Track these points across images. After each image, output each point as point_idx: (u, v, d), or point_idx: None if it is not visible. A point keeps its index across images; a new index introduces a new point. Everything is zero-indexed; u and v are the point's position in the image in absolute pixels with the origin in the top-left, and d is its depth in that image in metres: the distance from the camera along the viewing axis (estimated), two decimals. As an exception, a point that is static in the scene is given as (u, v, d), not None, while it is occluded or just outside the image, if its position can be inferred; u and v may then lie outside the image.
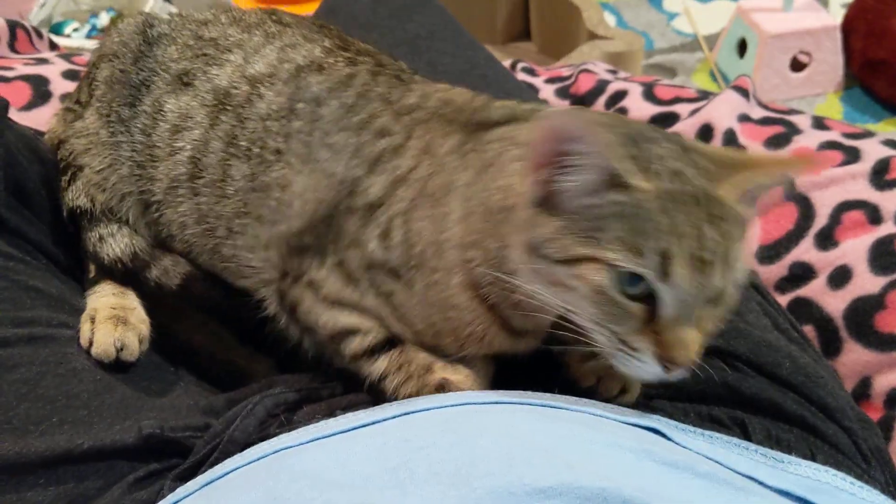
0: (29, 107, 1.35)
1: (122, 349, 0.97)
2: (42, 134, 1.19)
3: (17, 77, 1.39)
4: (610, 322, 0.73)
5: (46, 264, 1.07)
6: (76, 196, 1.11)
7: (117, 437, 0.87)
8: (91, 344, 0.97)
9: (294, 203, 0.96)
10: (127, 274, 1.09)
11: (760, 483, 0.71)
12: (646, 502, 0.60)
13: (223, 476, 0.76)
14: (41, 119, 1.29)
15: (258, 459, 0.76)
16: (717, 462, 0.72)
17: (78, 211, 1.10)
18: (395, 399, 0.87)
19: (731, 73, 2.38)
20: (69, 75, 1.43)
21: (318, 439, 0.76)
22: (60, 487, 0.83)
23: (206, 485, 0.75)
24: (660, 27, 2.65)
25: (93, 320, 1.00)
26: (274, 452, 0.76)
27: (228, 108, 1.02)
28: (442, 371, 0.87)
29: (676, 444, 0.74)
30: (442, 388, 0.85)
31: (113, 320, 1.00)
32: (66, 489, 0.83)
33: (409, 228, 0.87)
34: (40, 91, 1.38)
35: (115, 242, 1.09)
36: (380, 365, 0.90)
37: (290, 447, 0.76)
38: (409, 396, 0.86)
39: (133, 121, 1.07)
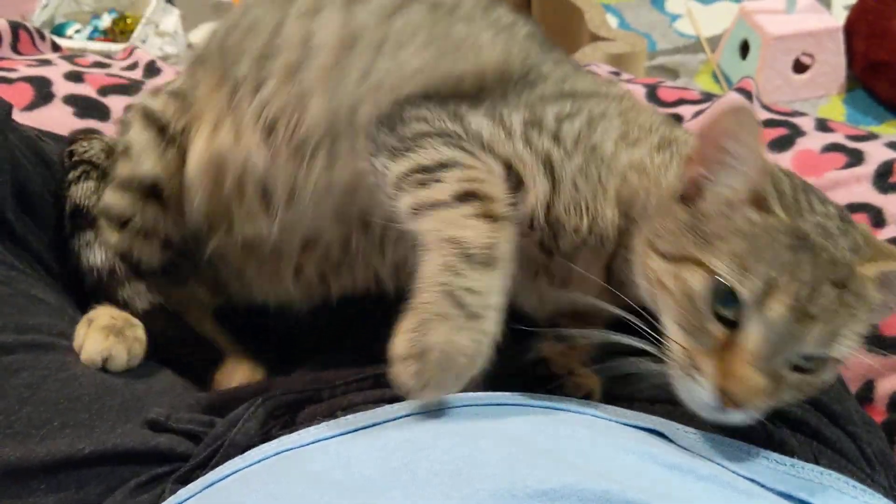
0: (31, 107, 1.35)
1: (107, 360, 0.98)
2: (46, 134, 1.19)
3: (20, 78, 1.39)
4: (688, 334, 0.73)
5: (45, 275, 1.08)
6: (86, 195, 1.11)
7: (118, 440, 0.87)
8: (81, 350, 0.98)
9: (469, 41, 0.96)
10: (98, 286, 1.09)
11: (762, 486, 0.71)
12: None
13: (225, 478, 0.76)
14: (44, 120, 1.30)
15: (260, 461, 0.76)
16: (718, 464, 0.72)
17: (79, 209, 1.10)
18: None
19: (733, 75, 2.38)
20: (72, 76, 1.43)
21: (319, 441, 0.76)
22: (62, 493, 0.83)
23: (208, 487, 0.75)
24: (662, 28, 2.65)
25: (89, 324, 1.00)
26: (276, 454, 0.76)
27: None
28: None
29: (678, 446, 0.74)
30: None
31: (106, 330, 1.00)
32: (67, 495, 0.83)
33: (592, 128, 0.88)
34: (43, 92, 1.38)
35: (99, 252, 1.09)
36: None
37: (292, 449, 0.76)
38: None
39: None
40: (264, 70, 1.00)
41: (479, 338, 0.70)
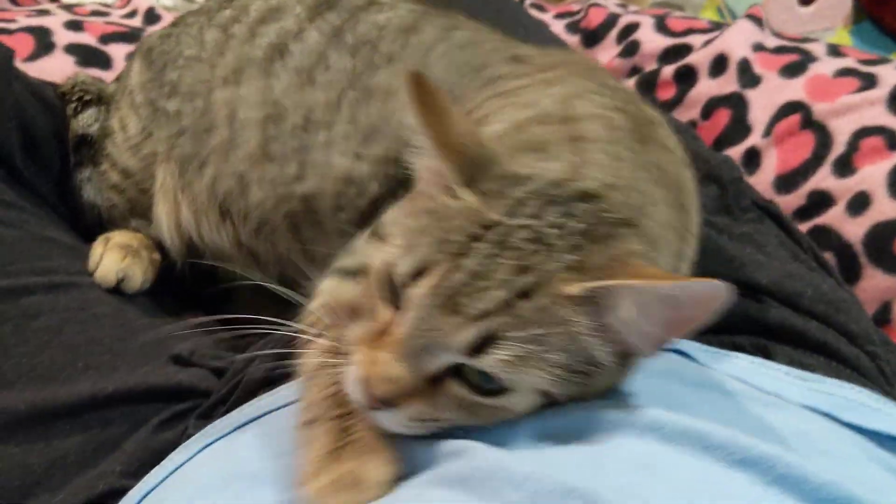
0: (33, 57, 1.34)
1: (123, 280, 1.00)
2: (49, 84, 1.18)
3: (20, 29, 1.37)
4: (364, 319, 0.65)
5: (56, 218, 1.08)
6: (88, 123, 1.12)
7: (141, 378, 0.87)
8: (98, 267, 1.00)
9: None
10: (98, 222, 1.11)
11: (786, 400, 0.71)
12: (676, 422, 0.60)
13: (255, 419, 0.76)
14: (45, 70, 1.29)
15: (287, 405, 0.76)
16: (742, 381, 0.72)
17: (84, 138, 1.12)
18: None
19: (738, 10, 2.34)
20: (71, 26, 1.42)
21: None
22: (87, 433, 0.83)
23: (236, 429, 0.75)
24: (666, -36, 2.60)
25: (106, 243, 1.02)
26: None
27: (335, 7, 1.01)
28: None
29: (702, 364, 0.74)
30: None
31: (124, 249, 1.02)
32: (92, 435, 0.83)
33: None
34: (44, 42, 1.36)
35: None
36: None
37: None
38: None
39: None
40: (204, 149, 1.02)
41: None
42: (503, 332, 0.56)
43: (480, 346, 0.56)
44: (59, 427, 0.83)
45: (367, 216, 0.90)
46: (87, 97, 1.14)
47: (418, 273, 0.59)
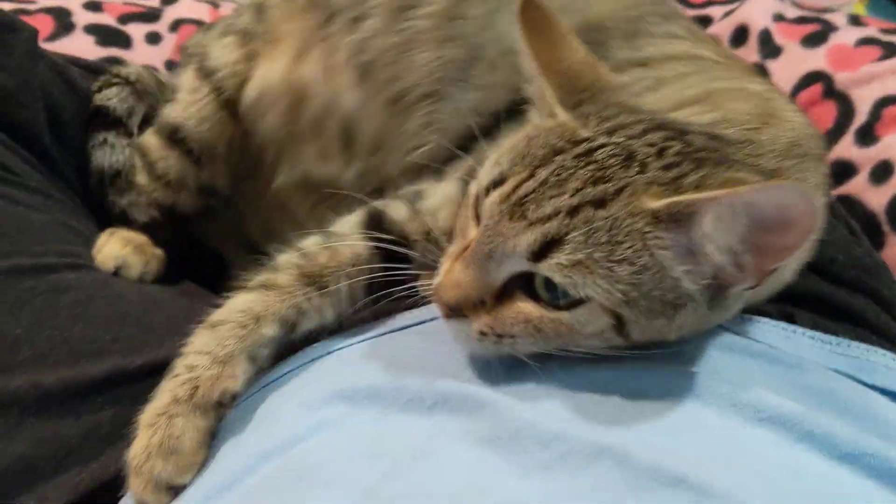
0: (53, 38, 1.35)
1: (121, 267, 1.01)
2: (73, 61, 1.19)
3: (39, 10, 1.39)
4: (457, 240, 0.66)
5: (79, 204, 1.10)
6: (108, 97, 1.13)
7: (168, 352, 0.88)
8: (98, 253, 1.01)
9: None
10: (100, 188, 1.11)
11: (811, 362, 0.71)
12: (705, 381, 0.61)
13: (279, 378, 0.77)
14: (66, 50, 1.31)
15: (312, 361, 0.77)
16: (767, 344, 0.72)
17: (100, 109, 1.13)
18: None
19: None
20: (91, 6, 1.43)
21: (366, 339, 0.77)
22: (118, 407, 0.84)
23: (264, 387, 0.76)
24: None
25: (111, 234, 1.04)
26: (328, 354, 0.77)
27: None
28: None
29: (726, 329, 0.74)
30: None
31: (125, 241, 1.03)
32: (123, 408, 0.84)
33: None
34: (63, 22, 1.38)
35: (112, 152, 1.11)
36: None
37: (342, 348, 0.77)
38: None
39: None
40: (367, 3, 0.96)
41: None
42: (565, 235, 0.56)
43: (543, 252, 0.56)
44: (91, 400, 0.84)
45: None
46: (115, 80, 1.15)
47: (496, 184, 0.60)
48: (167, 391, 0.70)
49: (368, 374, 0.68)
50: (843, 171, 1.14)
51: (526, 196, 0.58)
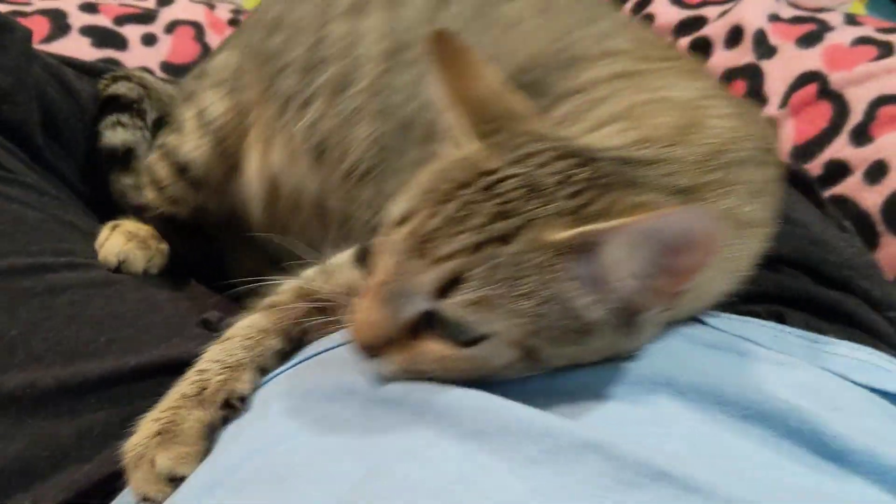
0: (49, 39, 1.35)
1: (123, 262, 1.02)
2: (68, 62, 1.20)
3: (35, 11, 1.39)
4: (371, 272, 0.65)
5: (76, 200, 1.10)
6: (118, 89, 1.17)
7: (164, 352, 0.89)
8: (100, 248, 1.02)
9: None
10: (112, 169, 1.14)
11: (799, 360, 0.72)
12: (689, 379, 0.62)
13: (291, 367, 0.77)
14: (62, 52, 1.30)
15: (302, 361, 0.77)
16: (754, 343, 0.73)
17: (111, 97, 1.16)
18: None
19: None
20: (86, 8, 1.43)
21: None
22: (115, 407, 0.85)
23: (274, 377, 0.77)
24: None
25: (113, 228, 1.05)
26: (316, 354, 0.77)
27: None
28: None
29: (713, 327, 0.75)
30: None
31: (128, 235, 1.04)
32: (120, 408, 0.85)
33: None
34: (59, 24, 1.38)
35: (123, 132, 1.14)
36: None
37: (329, 349, 0.77)
38: None
39: None
40: (310, 86, 0.99)
41: None
42: (467, 272, 0.55)
43: (444, 290, 0.56)
44: (87, 401, 0.85)
45: None
46: (121, 75, 1.20)
47: (403, 221, 0.60)
48: (175, 391, 0.72)
49: (353, 373, 0.68)
50: (838, 171, 1.14)
51: (429, 233, 0.57)
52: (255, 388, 0.74)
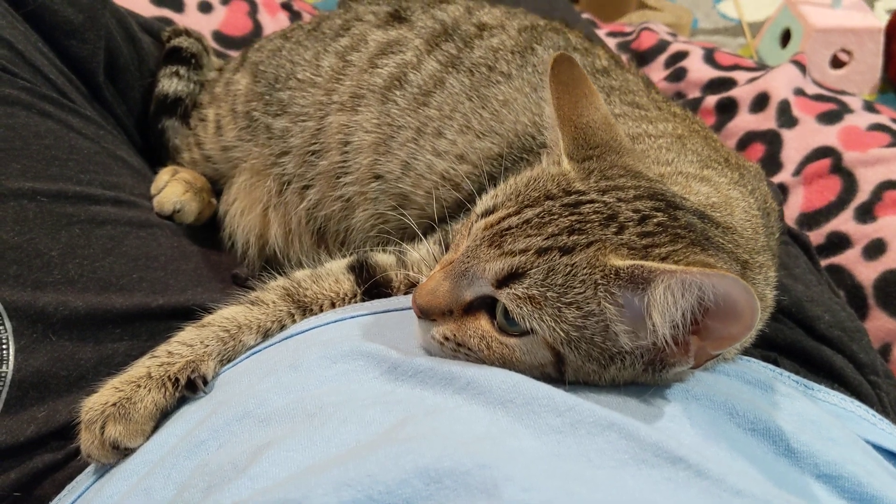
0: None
1: (178, 212, 1.07)
2: (132, 16, 1.24)
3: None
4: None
5: (128, 140, 1.14)
6: (181, 41, 1.25)
7: (189, 298, 0.92)
8: (159, 193, 1.07)
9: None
10: (158, 112, 1.20)
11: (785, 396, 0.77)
12: (705, 390, 0.67)
13: (294, 336, 0.81)
14: (122, 3, 1.32)
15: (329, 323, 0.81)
16: (755, 380, 0.78)
17: (175, 51, 1.23)
18: None
19: (771, 62, 2.41)
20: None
21: (373, 313, 0.82)
22: (135, 341, 0.89)
23: (287, 338, 0.80)
24: (705, 8, 2.68)
25: (173, 174, 1.10)
26: (339, 320, 0.81)
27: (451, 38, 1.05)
28: None
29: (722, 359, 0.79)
30: None
31: (187, 184, 1.08)
32: (139, 342, 0.88)
33: None
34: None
35: (178, 82, 1.20)
36: None
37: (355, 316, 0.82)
38: None
39: None
40: (311, 172, 1.07)
41: None
42: (526, 270, 0.62)
43: (506, 281, 0.63)
44: (111, 330, 0.88)
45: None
46: (181, 28, 1.27)
47: (487, 213, 0.67)
48: (143, 367, 0.75)
49: (382, 340, 0.73)
50: (839, 242, 1.20)
51: (507, 229, 0.64)
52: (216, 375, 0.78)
